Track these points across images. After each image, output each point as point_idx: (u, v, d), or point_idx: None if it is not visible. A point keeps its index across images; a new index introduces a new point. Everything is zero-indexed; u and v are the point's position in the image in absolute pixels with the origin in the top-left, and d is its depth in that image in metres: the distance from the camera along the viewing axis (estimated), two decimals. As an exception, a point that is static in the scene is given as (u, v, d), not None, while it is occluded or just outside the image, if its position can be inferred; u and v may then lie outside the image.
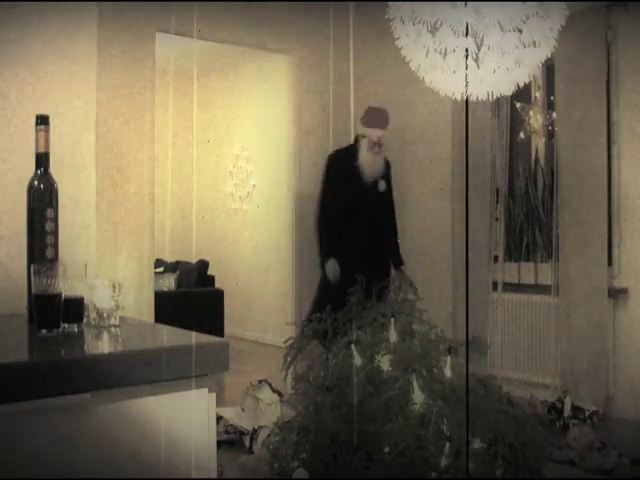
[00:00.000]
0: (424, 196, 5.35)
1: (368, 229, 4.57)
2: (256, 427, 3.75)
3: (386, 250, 4.65)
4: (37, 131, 1.59)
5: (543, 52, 2.73)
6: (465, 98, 2.89)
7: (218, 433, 3.63)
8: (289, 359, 3.32)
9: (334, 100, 5.02)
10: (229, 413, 4.01)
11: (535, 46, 2.69)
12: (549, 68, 4.89)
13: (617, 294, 4.47)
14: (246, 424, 3.87)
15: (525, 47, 2.69)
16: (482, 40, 2.67)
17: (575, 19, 3.60)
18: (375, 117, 4.54)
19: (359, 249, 4.49)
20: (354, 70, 5.09)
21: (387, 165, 4.73)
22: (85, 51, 1.93)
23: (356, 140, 4.63)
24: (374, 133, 4.49)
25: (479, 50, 2.68)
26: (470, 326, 5.01)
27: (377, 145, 4.51)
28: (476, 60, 2.74)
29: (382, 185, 4.62)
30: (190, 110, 8.70)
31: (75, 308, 1.46)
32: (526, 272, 5.07)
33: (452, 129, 5.18)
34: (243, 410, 4.02)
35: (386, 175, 4.69)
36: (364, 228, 4.55)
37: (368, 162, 4.53)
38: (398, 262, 4.70)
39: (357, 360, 2.99)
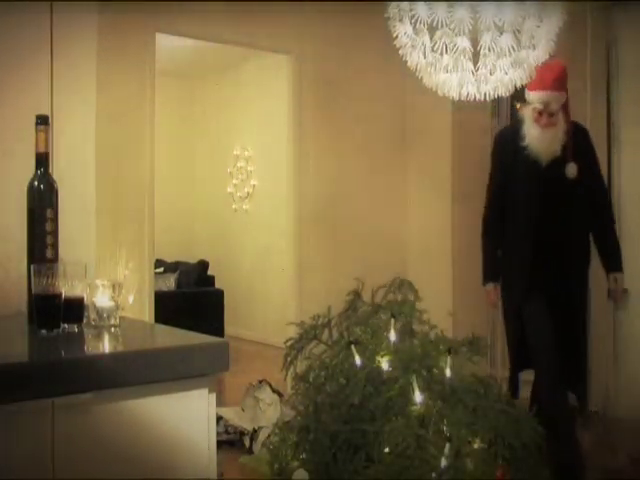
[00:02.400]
0: (424, 196, 5.34)
1: (555, 230, 3.30)
2: (256, 427, 3.75)
3: (602, 251, 3.42)
4: (37, 131, 1.59)
5: (542, 52, 2.73)
6: (465, 98, 2.89)
7: (218, 433, 3.63)
8: (289, 359, 3.31)
9: (334, 100, 5.02)
10: (229, 413, 4.01)
11: (534, 46, 2.70)
12: (549, 68, 4.89)
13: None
14: (246, 424, 3.87)
15: (525, 47, 2.69)
16: (482, 40, 2.67)
17: (575, 19, 3.60)
18: (541, 76, 3.13)
19: (542, 259, 3.31)
20: (354, 70, 5.08)
21: (582, 132, 3.38)
22: (85, 51, 1.93)
23: None
24: (537, 98, 3.22)
25: (479, 50, 2.69)
26: (470, 326, 5.00)
27: (545, 115, 3.20)
28: (476, 60, 2.74)
29: (572, 169, 3.24)
30: (190, 110, 8.71)
31: (75, 308, 1.46)
32: (526, 272, 5.07)
33: (452, 129, 5.18)
34: (243, 410, 4.02)
35: (582, 150, 3.31)
36: (547, 230, 3.29)
37: (535, 139, 3.26)
38: (617, 265, 3.43)
39: (357, 360, 2.99)
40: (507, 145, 3.41)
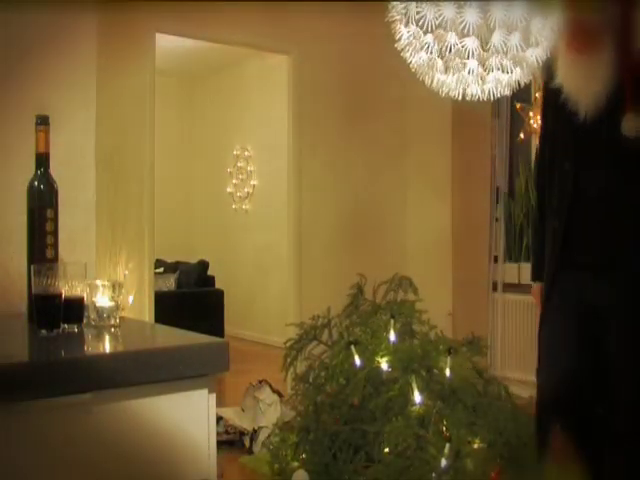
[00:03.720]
0: (424, 196, 5.35)
1: (606, 219, 2.15)
2: (256, 427, 3.75)
3: None
4: (37, 131, 1.59)
5: (544, 51, 2.73)
6: (466, 98, 2.89)
7: (218, 433, 3.64)
8: (289, 360, 3.32)
9: (333, 100, 5.02)
10: (229, 413, 4.01)
11: (536, 46, 2.70)
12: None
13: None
14: (246, 424, 3.87)
15: (526, 47, 2.69)
16: (483, 40, 2.67)
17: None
18: None
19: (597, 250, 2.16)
20: (354, 70, 5.09)
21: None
22: (85, 51, 1.93)
23: None
24: (573, 15, 2.19)
25: (480, 50, 2.69)
26: (470, 326, 5.02)
27: (581, 34, 2.14)
28: (477, 60, 2.74)
29: (631, 123, 2.06)
30: (190, 110, 8.71)
31: (75, 308, 1.46)
32: (526, 272, 5.07)
33: (452, 129, 5.18)
34: (243, 410, 4.02)
35: None
36: (591, 218, 2.17)
37: (566, 71, 2.22)
38: None
39: (357, 361, 2.99)
40: (555, 95, 2.28)
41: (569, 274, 2.19)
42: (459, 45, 2.61)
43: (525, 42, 2.64)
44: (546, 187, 2.35)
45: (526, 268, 5.08)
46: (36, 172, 1.60)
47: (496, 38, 2.60)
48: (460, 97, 2.96)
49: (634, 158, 2.10)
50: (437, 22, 2.59)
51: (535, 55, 2.70)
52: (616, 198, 2.13)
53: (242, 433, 3.84)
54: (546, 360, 2.24)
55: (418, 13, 2.57)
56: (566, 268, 2.20)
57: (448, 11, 2.55)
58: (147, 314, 4.22)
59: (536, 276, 2.42)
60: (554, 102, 2.25)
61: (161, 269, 7.10)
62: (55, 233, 1.59)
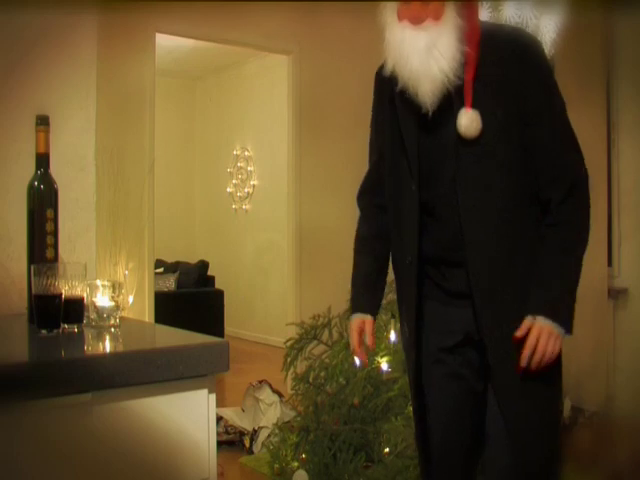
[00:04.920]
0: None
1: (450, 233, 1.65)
2: (256, 427, 3.76)
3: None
4: (37, 131, 1.59)
5: (548, 49, 2.74)
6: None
7: (218, 433, 3.64)
8: (289, 360, 3.32)
9: (333, 100, 5.02)
10: (229, 413, 4.01)
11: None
12: (549, 68, 4.88)
13: (617, 294, 4.47)
14: (246, 424, 3.87)
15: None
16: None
17: (575, 19, 3.60)
18: None
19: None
20: (354, 69, 5.09)
21: (507, 46, 1.57)
22: (85, 51, 1.93)
23: None
24: None
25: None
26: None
27: (414, 5, 1.53)
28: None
29: (468, 120, 1.53)
30: (190, 110, 8.71)
31: (75, 308, 1.46)
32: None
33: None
34: (243, 410, 4.02)
35: (506, 81, 1.56)
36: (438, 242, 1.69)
37: (403, 53, 1.56)
38: (546, 305, 1.69)
39: (357, 361, 2.99)
40: (378, 84, 1.79)
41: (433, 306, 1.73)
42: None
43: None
44: (375, 191, 1.95)
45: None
46: (36, 172, 1.60)
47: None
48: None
49: (485, 167, 1.59)
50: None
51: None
52: (465, 220, 1.62)
53: (242, 433, 3.84)
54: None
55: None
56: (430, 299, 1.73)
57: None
58: (147, 314, 4.22)
59: (361, 306, 1.85)
60: (387, 96, 1.69)
61: (161, 269, 7.10)
62: (55, 233, 1.59)
